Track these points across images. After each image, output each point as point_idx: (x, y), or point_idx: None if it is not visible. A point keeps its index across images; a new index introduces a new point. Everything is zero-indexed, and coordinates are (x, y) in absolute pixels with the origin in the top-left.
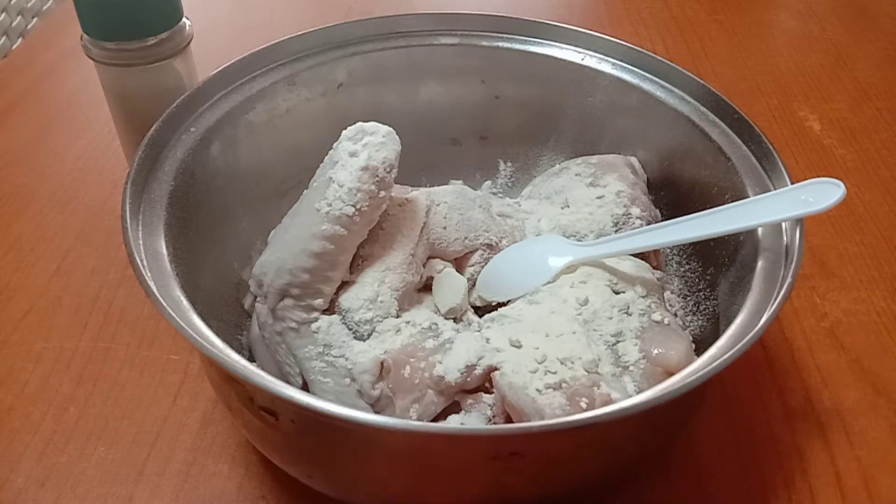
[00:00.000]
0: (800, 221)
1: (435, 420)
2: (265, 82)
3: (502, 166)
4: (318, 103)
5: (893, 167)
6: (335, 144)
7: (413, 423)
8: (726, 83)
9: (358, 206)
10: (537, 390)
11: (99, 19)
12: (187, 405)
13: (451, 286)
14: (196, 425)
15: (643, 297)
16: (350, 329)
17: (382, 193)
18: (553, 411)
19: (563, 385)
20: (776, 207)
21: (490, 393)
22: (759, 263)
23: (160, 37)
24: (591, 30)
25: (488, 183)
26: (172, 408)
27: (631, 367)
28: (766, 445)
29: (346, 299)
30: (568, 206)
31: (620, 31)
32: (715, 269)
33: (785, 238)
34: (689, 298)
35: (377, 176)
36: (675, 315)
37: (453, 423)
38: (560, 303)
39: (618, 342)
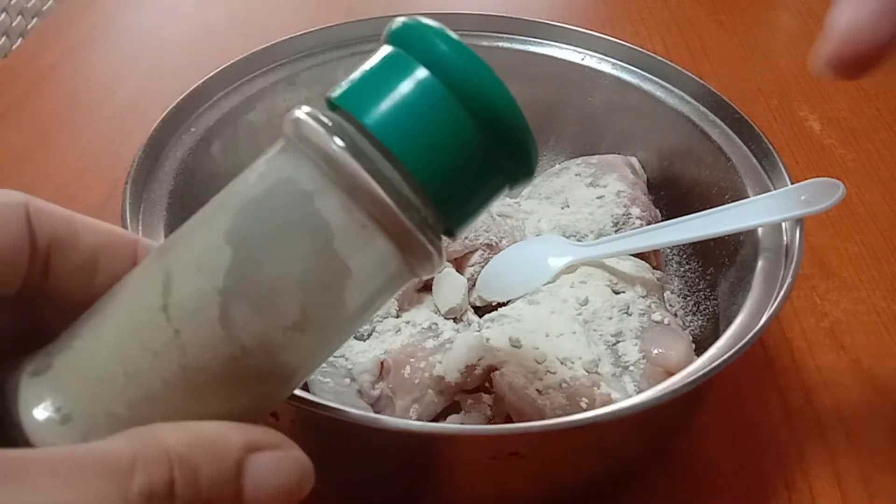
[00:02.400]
0: (800, 221)
1: (435, 420)
2: (265, 82)
3: None
4: (318, 103)
5: (893, 167)
6: None
7: (413, 423)
8: (726, 83)
9: None
10: (537, 390)
11: None
12: None
13: (451, 286)
14: None
15: (643, 297)
16: None
17: None
18: (553, 411)
19: (563, 385)
20: (776, 207)
21: (490, 393)
22: (759, 263)
23: None
24: (591, 30)
25: None
26: None
27: (631, 367)
28: (766, 445)
29: None
30: (568, 206)
31: (620, 31)
32: (715, 269)
33: (785, 238)
34: (689, 298)
35: None
36: (675, 315)
37: (453, 423)
38: (560, 303)
39: (618, 342)
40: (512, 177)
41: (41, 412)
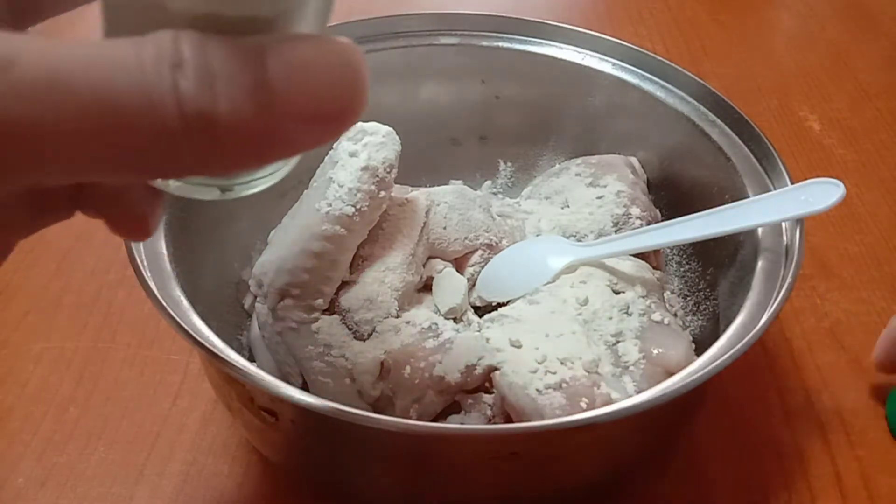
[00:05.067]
0: (800, 221)
1: (435, 420)
2: None
3: (502, 166)
4: None
5: (893, 167)
6: (335, 144)
7: (413, 423)
8: (726, 83)
9: (358, 206)
10: (537, 390)
11: None
12: (187, 405)
13: (451, 286)
14: (196, 425)
15: (643, 297)
16: (350, 329)
17: (382, 193)
18: (553, 411)
19: (563, 385)
20: (776, 207)
21: (490, 393)
22: (759, 263)
23: None
24: (591, 30)
25: (488, 183)
26: (172, 408)
27: (631, 367)
28: (766, 445)
29: (346, 299)
30: (568, 207)
31: (620, 31)
32: (715, 269)
33: (785, 238)
34: (689, 298)
35: (377, 176)
36: (675, 315)
37: (453, 423)
38: (560, 303)
39: (618, 342)
40: None
41: None
